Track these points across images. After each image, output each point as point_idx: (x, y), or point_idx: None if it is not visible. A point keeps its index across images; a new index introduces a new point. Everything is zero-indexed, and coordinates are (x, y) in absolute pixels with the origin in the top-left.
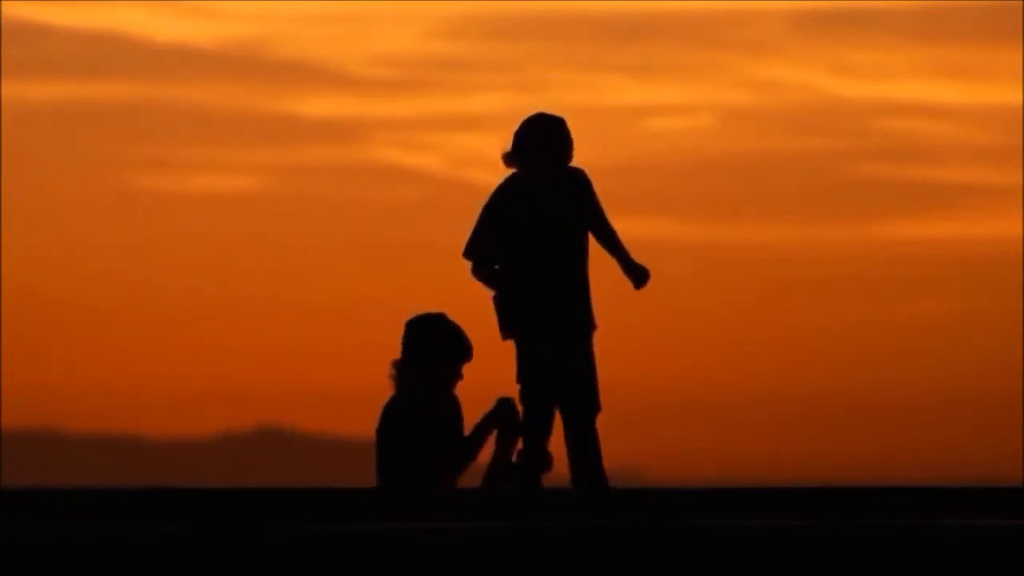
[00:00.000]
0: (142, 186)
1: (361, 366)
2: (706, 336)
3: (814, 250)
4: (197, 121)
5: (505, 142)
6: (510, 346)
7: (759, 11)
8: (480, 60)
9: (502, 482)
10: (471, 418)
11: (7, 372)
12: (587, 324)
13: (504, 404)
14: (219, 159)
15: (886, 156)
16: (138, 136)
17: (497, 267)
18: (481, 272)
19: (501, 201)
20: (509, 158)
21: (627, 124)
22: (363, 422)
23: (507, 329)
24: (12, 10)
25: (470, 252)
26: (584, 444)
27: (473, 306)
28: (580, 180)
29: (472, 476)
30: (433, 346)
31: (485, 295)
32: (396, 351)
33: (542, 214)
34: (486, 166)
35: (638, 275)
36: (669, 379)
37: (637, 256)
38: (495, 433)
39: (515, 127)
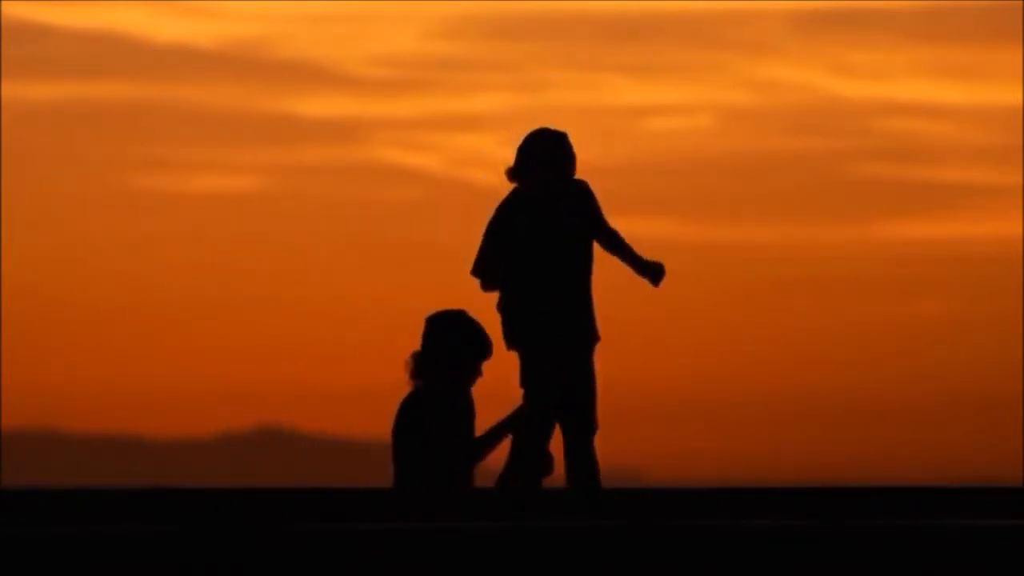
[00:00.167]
0: (142, 186)
1: (361, 366)
2: (706, 336)
3: (814, 250)
4: (197, 121)
5: (505, 141)
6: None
7: (759, 11)
8: (480, 60)
9: (514, 484)
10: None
11: (7, 372)
12: (589, 336)
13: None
14: (219, 159)
15: (886, 156)
16: (138, 136)
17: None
18: (491, 289)
19: (504, 215)
20: (512, 173)
21: (627, 124)
22: (363, 422)
23: (511, 340)
24: (12, 10)
25: (478, 270)
26: (581, 465)
27: (473, 306)
28: (582, 192)
29: (485, 478)
30: (455, 342)
31: (486, 298)
32: (396, 351)
33: (544, 226)
34: (486, 166)
35: (653, 273)
36: (669, 379)
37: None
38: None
39: (515, 127)
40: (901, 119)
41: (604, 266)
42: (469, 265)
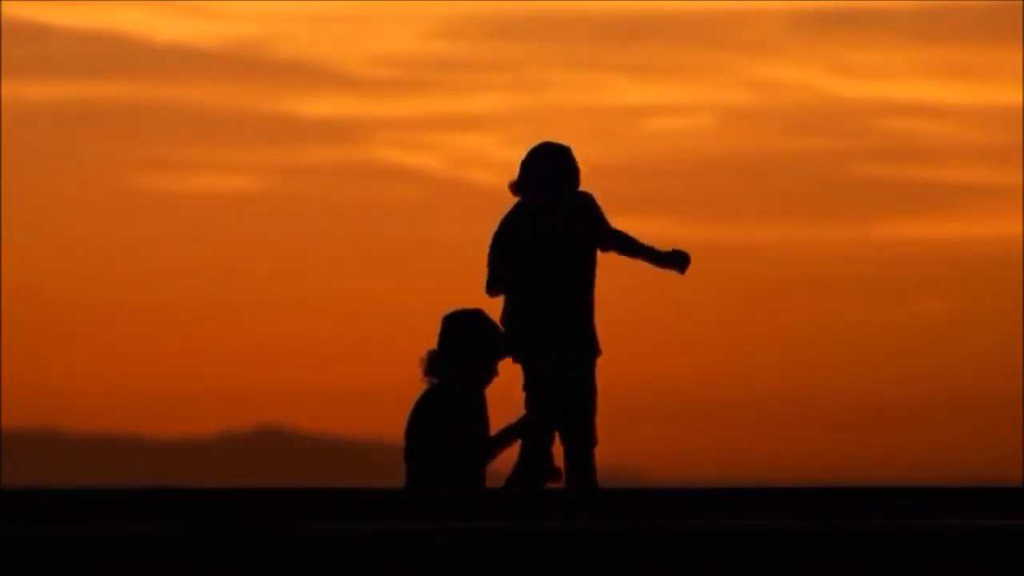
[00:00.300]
0: (142, 186)
1: (361, 366)
2: (706, 336)
3: (814, 250)
4: (197, 121)
5: (505, 141)
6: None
7: (759, 11)
8: (480, 60)
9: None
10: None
11: (7, 372)
12: (590, 349)
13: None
14: (219, 159)
15: (886, 156)
16: (138, 136)
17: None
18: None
19: (508, 227)
20: (515, 186)
21: (627, 124)
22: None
23: (514, 352)
24: (12, 10)
25: (491, 288)
26: (579, 477)
27: (472, 306)
28: (586, 204)
29: (494, 479)
30: (473, 341)
31: (484, 295)
32: (396, 351)
33: (547, 238)
34: (486, 166)
35: (678, 262)
36: (669, 379)
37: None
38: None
39: (515, 127)
40: (901, 119)
41: (604, 268)
42: (469, 265)
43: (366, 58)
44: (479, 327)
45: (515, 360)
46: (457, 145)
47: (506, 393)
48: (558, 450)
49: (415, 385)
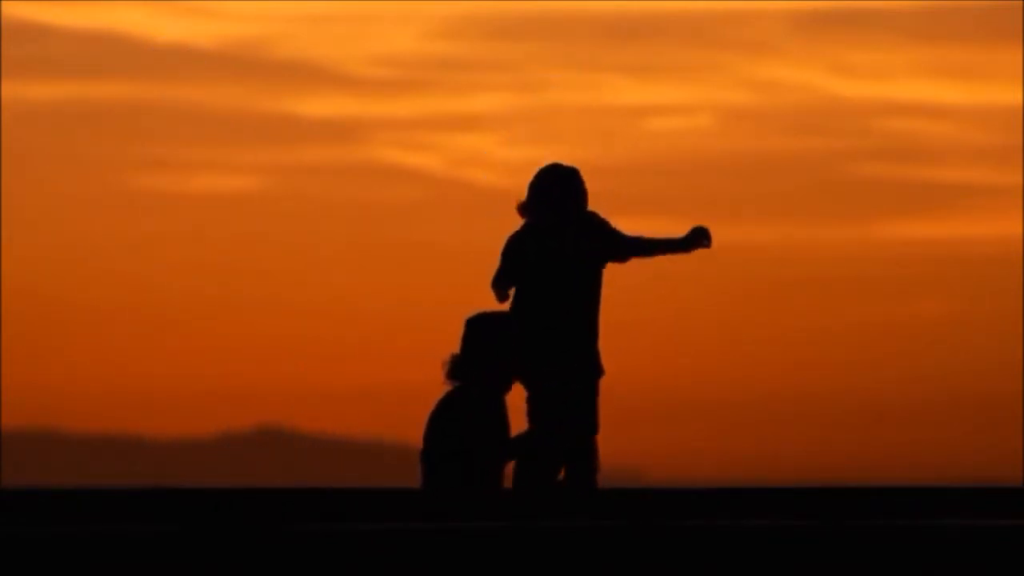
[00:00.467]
0: (142, 186)
1: (361, 366)
2: (706, 336)
3: (814, 250)
4: (197, 121)
5: (505, 141)
6: None
7: (759, 11)
8: (480, 60)
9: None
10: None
11: (7, 372)
12: (593, 370)
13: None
14: (219, 159)
15: (886, 156)
16: (138, 136)
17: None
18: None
19: (515, 245)
20: (523, 209)
21: (627, 124)
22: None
23: (519, 372)
24: (12, 10)
25: (498, 286)
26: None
27: (474, 306)
28: (594, 222)
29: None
30: (496, 345)
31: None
32: (396, 351)
33: (552, 256)
34: (486, 166)
35: (700, 239)
36: (669, 379)
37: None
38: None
39: (515, 127)
40: (901, 119)
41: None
42: (469, 265)
43: (366, 58)
44: (503, 331)
45: (519, 379)
46: (457, 145)
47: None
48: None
49: (415, 385)
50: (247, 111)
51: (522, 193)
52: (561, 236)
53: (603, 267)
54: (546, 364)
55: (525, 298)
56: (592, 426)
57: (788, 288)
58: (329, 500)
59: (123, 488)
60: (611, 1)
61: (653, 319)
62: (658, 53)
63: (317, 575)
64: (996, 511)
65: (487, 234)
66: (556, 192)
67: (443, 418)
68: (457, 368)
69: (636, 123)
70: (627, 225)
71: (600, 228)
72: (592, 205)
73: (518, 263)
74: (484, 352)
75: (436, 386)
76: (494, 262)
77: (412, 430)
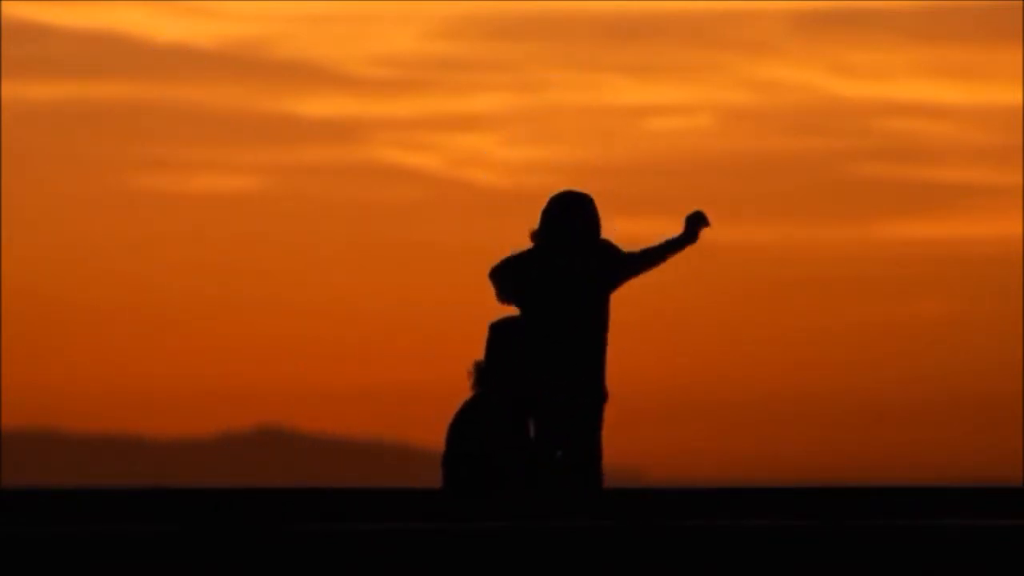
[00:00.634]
0: (142, 186)
1: (361, 366)
2: (706, 336)
3: (814, 250)
4: (197, 121)
5: (505, 141)
6: None
7: (759, 11)
8: (480, 60)
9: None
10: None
11: (7, 372)
12: (598, 395)
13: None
14: (219, 159)
15: (886, 156)
16: (138, 136)
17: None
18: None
19: (518, 262)
20: (536, 235)
21: (627, 124)
22: (363, 422)
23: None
24: (12, 10)
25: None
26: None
27: (472, 307)
28: (605, 248)
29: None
30: (519, 352)
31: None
32: (396, 351)
33: (560, 271)
34: (486, 166)
35: (698, 224)
36: (669, 379)
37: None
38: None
39: (515, 127)
40: (901, 119)
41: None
42: (470, 266)
43: (366, 58)
44: (524, 337)
45: (524, 401)
46: (457, 145)
47: None
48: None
49: (415, 385)
50: (247, 111)
51: (522, 193)
52: (571, 256)
53: (611, 291)
54: (549, 387)
55: (532, 327)
56: (596, 452)
57: (788, 288)
58: (329, 500)
59: (123, 488)
60: (611, 1)
61: (653, 319)
62: (658, 53)
63: (317, 575)
64: (996, 511)
65: (487, 234)
66: (567, 218)
67: (465, 423)
68: (483, 377)
69: (636, 123)
70: (627, 225)
71: (611, 253)
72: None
73: (519, 282)
74: (507, 358)
75: (436, 386)
76: (494, 261)
77: (412, 430)
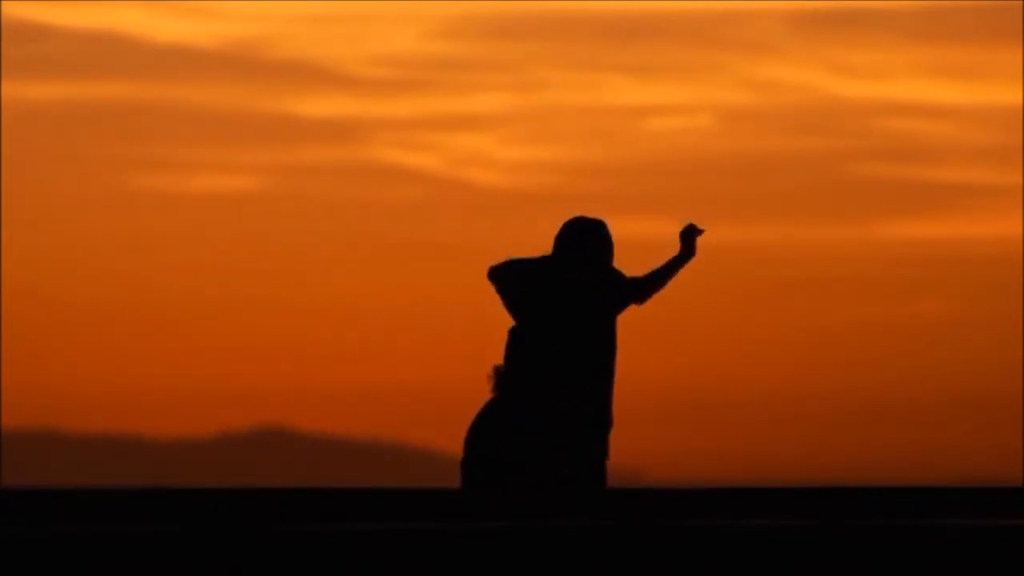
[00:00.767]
0: (142, 186)
1: (361, 366)
2: (706, 336)
3: (814, 250)
4: (197, 121)
5: (505, 141)
6: None
7: (759, 11)
8: (480, 60)
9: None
10: None
11: (7, 372)
12: (603, 422)
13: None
14: (219, 159)
15: (886, 156)
16: (138, 136)
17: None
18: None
19: (525, 269)
20: (549, 261)
21: (627, 124)
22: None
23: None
24: (12, 10)
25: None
26: None
27: (473, 305)
28: (614, 274)
29: None
30: (530, 357)
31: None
32: (396, 351)
33: (566, 282)
34: (486, 166)
35: (693, 235)
36: (669, 379)
37: (637, 255)
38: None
39: (515, 127)
40: (901, 119)
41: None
42: (470, 266)
43: (366, 58)
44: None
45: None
46: (457, 145)
47: None
48: None
49: (415, 385)
50: (247, 111)
51: (522, 193)
52: (580, 273)
53: (616, 314)
54: (554, 397)
55: (533, 339)
56: (600, 479)
57: (788, 288)
58: (329, 500)
59: (123, 488)
60: (611, 1)
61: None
62: (658, 53)
63: (317, 575)
64: (996, 511)
65: (487, 234)
66: (580, 244)
67: (483, 426)
68: (503, 380)
69: (636, 123)
70: (627, 225)
71: (617, 278)
72: (592, 205)
73: (524, 287)
74: (526, 363)
75: (436, 386)
76: (494, 261)
77: (412, 430)
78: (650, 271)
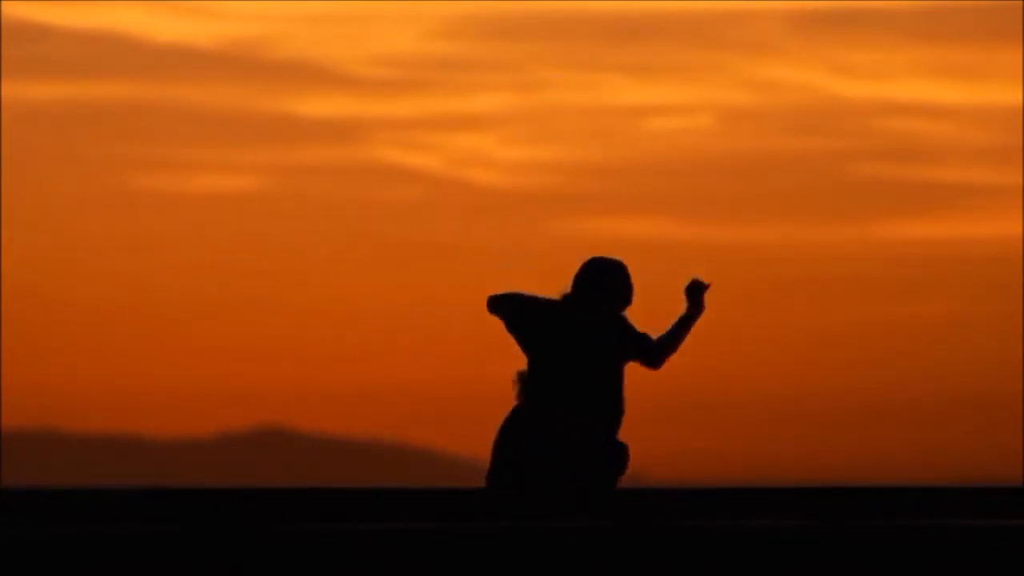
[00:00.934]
0: (142, 186)
1: (361, 366)
2: (706, 336)
3: (814, 250)
4: (197, 121)
5: (505, 141)
6: None
7: (759, 11)
8: (480, 60)
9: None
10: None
11: (7, 372)
12: (615, 463)
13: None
14: (219, 159)
15: (886, 156)
16: (138, 136)
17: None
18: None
19: (538, 303)
20: (567, 301)
21: (627, 124)
22: (363, 422)
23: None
24: (12, 10)
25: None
26: None
27: (472, 305)
28: (626, 327)
29: None
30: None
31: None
32: (396, 351)
33: (581, 326)
34: (486, 166)
35: (700, 291)
36: (669, 379)
37: (638, 254)
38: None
39: (515, 127)
40: (901, 119)
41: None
42: (469, 266)
43: (366, 58)
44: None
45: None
46: (457, 145)
47: None
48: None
49: (415, 385)
50: (247, 111)
51: (522, 193)
52: (596, 314)
53: (623, 363)
54: (568, 425)
55: (547, 375)
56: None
57: (788, 288)
58: (329, 500)
59: (123, 488)
60: (611, 1)
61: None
62: (658, 53)
63: (317, 575)
64: (996, 511)
65: (487, 234)
66: (599, 285)
67: (509, 433)
68: (526, 387)
69: (636, 123)
70: (627, 225)
71: (629, 332)
72: (592, 205)
73: (533, 321)
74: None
75: (436, 386)
76: (494, 261)
77: (412, 430)
78: (662, 335)
